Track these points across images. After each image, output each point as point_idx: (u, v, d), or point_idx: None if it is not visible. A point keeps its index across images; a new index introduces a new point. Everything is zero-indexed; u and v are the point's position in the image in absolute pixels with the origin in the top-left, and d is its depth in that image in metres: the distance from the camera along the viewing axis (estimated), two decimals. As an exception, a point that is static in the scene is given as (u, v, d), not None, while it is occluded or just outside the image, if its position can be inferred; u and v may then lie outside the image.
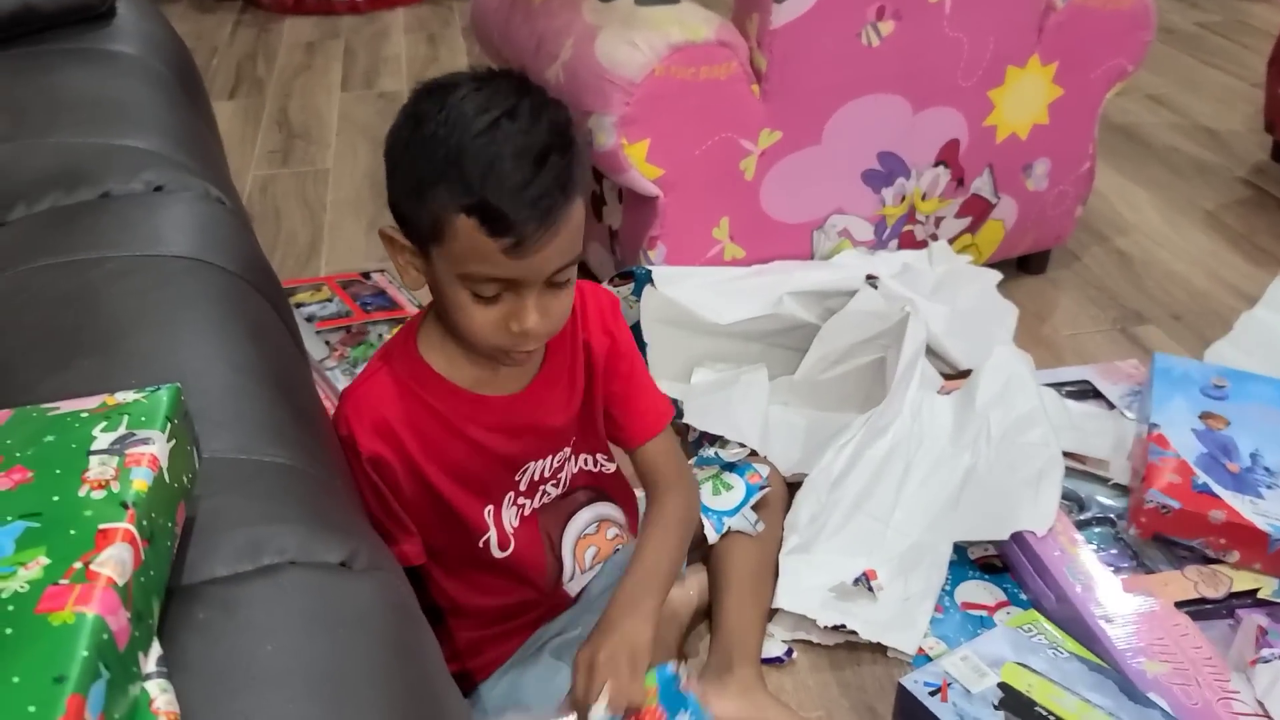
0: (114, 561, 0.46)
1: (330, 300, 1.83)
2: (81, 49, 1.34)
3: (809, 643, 1.22)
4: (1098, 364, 1.61)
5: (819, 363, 1.52)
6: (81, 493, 0.50)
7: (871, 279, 1.57)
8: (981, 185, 1.73)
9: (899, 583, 1.25)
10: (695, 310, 1.52)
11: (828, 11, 1.45)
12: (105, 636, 0.43)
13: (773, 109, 1.51)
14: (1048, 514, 1.26)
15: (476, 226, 0.82)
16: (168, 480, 0.54)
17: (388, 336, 1.74)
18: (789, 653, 1.20)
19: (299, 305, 1.81)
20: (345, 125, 2.63)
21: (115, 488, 0.50)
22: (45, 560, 0.46)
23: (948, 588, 1.26)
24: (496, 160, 0.81)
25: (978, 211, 1.76)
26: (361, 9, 3.42)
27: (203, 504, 0.61)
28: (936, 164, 1.68)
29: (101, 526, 0.48)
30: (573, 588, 1.09)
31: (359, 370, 1.63)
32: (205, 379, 0.74)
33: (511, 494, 1.03)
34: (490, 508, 1.02)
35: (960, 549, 1.31)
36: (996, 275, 1.71)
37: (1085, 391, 1.54)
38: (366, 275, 1.93)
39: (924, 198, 1.71)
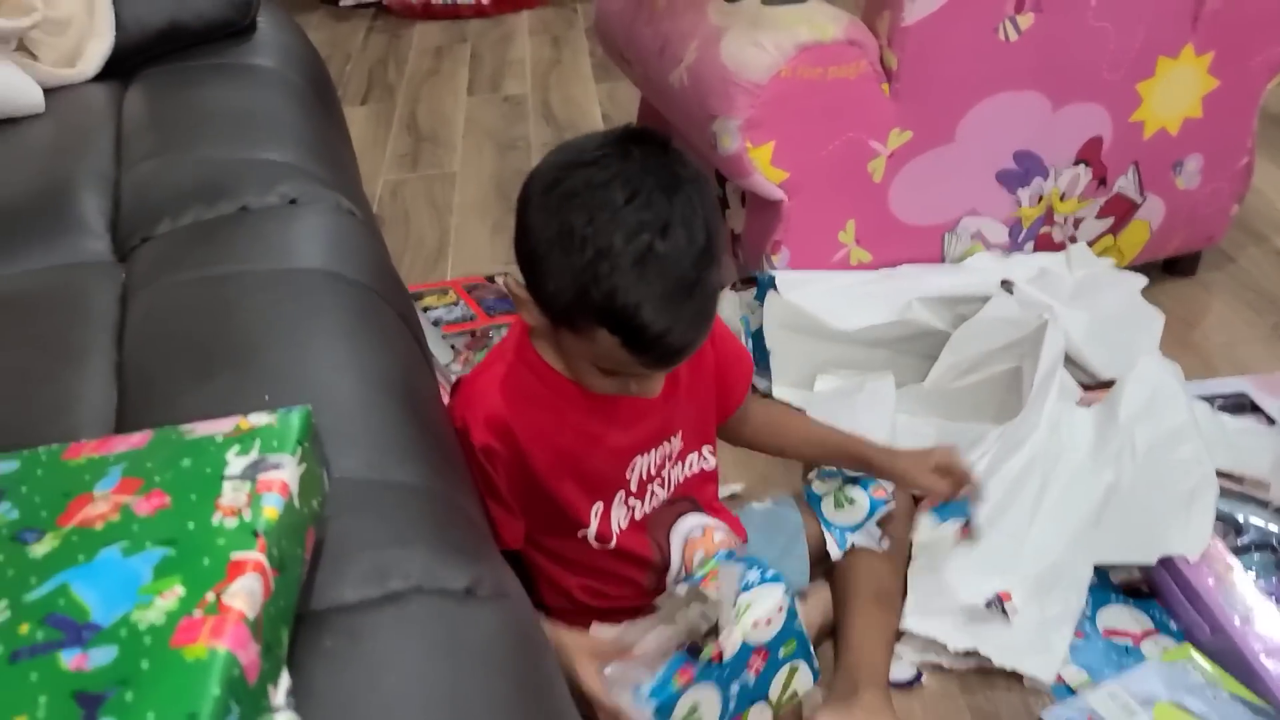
0: (245, 593, 0.47)
1: (456, 304, 1.86)
2: (223, 64, 1.39)
3: (939, 666, 1.17)
4: (1255, 375, 1.50)
5: (949, 371, 1.47)
6: (215, 520, 0.51)
7: (1007, 284, 1.51)
8: (1126, 184, 1.64)
9: (1035, 605, 1.19)
10: (820, 316, 1.48)
11: (963, 7, 1.39)
12: (236, 672, 0.43)
13: (904, 108, 1.46)
14: (1201, 537, 1.18)
15: (620, 344, 0.85)
16: (298, 506, 0.54)
17: (511, 340, 1.76)
18: (918, 676, 1.16)
19: (426, 309, 1.84)
20: (471, 128, 2.67)
21: (247, 515, 0.51)
22: (181, 590, 0.47)
23: (1088, 612, 1.20)
24: (646, 300, 0.82)
25: (1121, 212, 1.67)
26: (488, 12, 3.47)
27: (332, 525, 0.62)
28: (1077, 163, 1.60)
29: (233, 556, 0.48)
30: (679, 590, 1.08)
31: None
32: (335, 393, 0.75)
33: (623, 493, 1.03)
34: (599, 505, 1.02)
35: (1102, 571, 1.24)
36: (1141, 279, 1.62)
37: (1241, 405, 1.45)
38: (491, 278, 1.95)
39: (1063, 198, 1.63)
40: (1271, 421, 1.40)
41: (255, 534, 0.50)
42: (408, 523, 0.64)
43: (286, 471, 0.54)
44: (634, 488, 1.04)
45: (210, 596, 0.46)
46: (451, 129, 2.69)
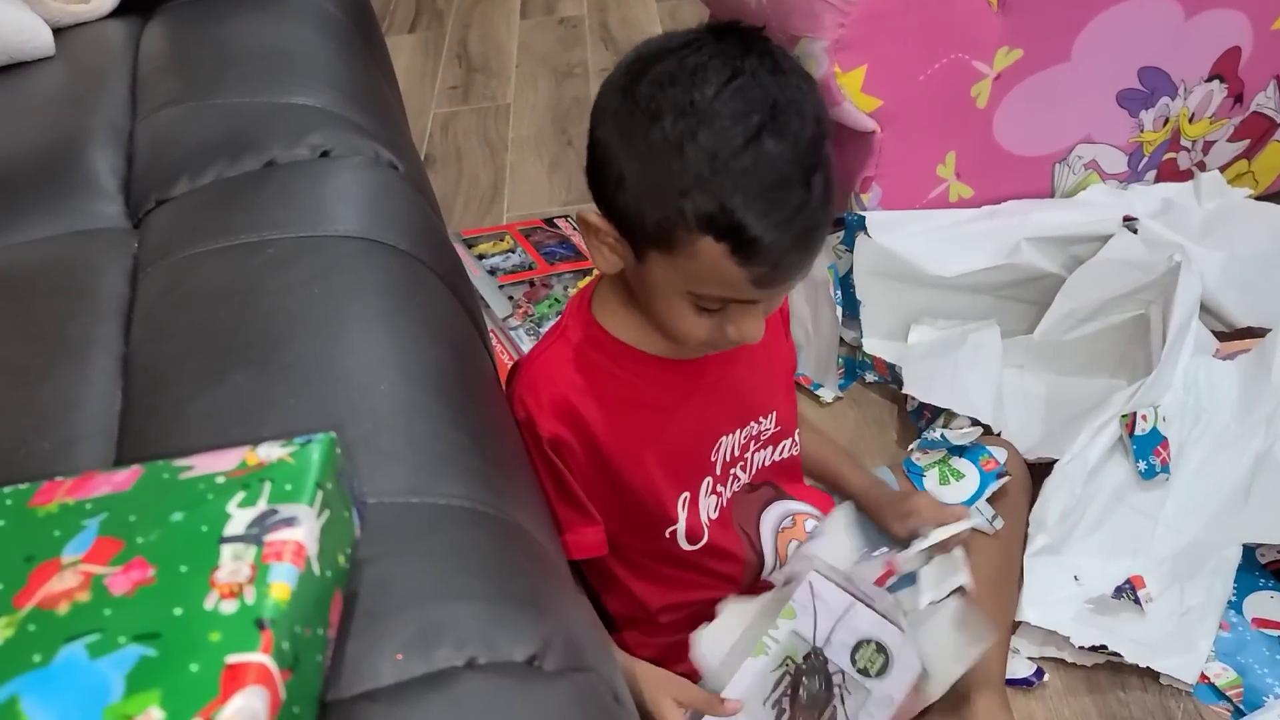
0: (243, 717, 0.35)
1: (513, 251, 1.73)
2: (251, -5, 1.26)
3: (1063, 661, 1.04)
4: None
5: (1064, 320, 1.31)
6: (209, 603, 0.39)
7: (1130, 221, 1.33)
8: (1265, 101, 1.45)
9: (1173, 593, 1.05)
10: (915, 261, 1.33)
11: (1087, -100, 1.21)
12: None
13: (1013, 23, 1.29)
14: None
15: (727, 253, 0.70)
16: (318, 572, 0.43)
17: (573, 290, 1.64)
18: (1039, 674, 1.03)
19: (481, 257, 1.72)
20: (525, 56, 2.52)
21: (249, 597, 0.39)
22: (158, 714, 0.35)
23: (1234, 600, 1.06)
24: (762, 185, 0.69)
25: (1258, 133, 1.48)
26: (540, -71, 3.27)
27: (366, 570, 0.50)
28: (1210, 78, 1.41)
29: (229, 660, 0.37)
30: (777, 579, 0.96)
31: (544, 329, 1.55)
32: (373, 397, 0.63)
33: (710, 480, 0.91)
34: (686, 495, 0.90)
35: (1248, 551, 1.09)
36: (1282, 211, 1.43)
37: None
38: (550, 221, 1.82)
39: (1192, 119, 1.44)
40: None
41: (260, 625, 0.38)
42: (461, 565, 0.53)
43: (303, 529, 0.42)
44: (719, 471, 0.91)
45: (196, 726, 0.35)
46: (504, 57, 2.54)
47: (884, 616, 0.84)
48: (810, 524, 0.98)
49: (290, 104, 1.00)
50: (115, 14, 1.21)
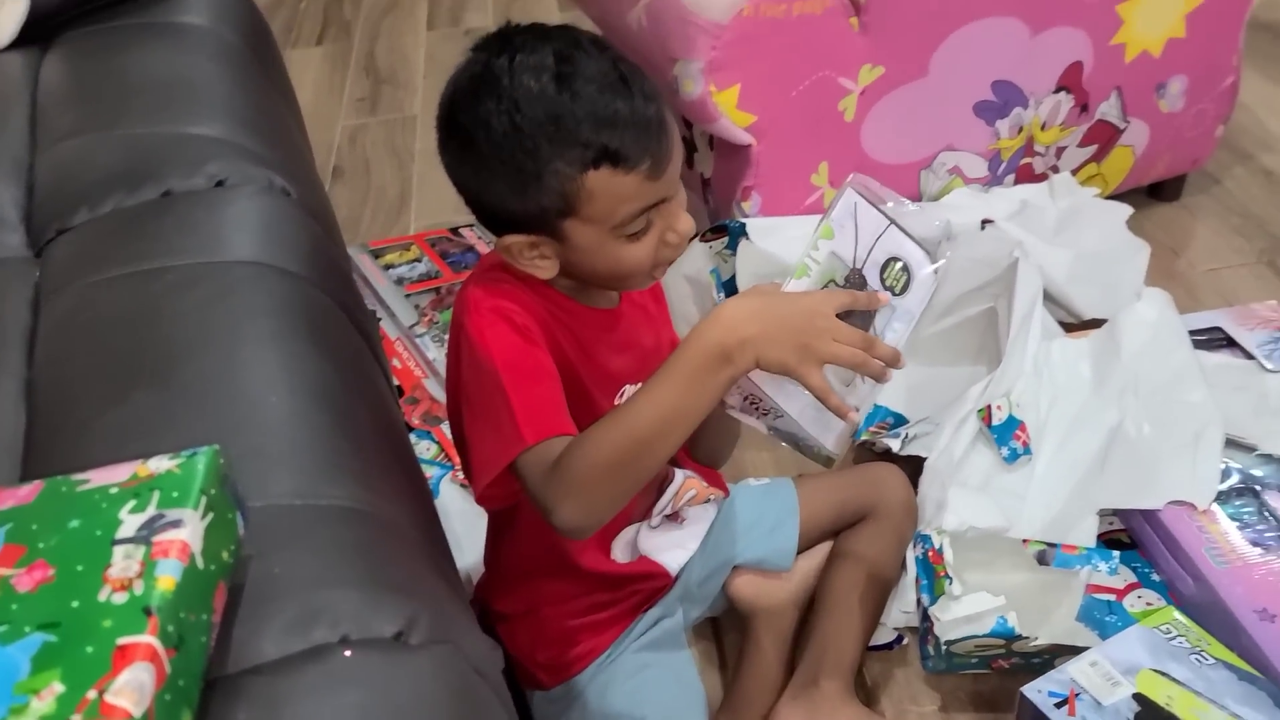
0: (131, 688, 0.42)
1: (419, 260, 1.79)
2: (150, 23, 1.30)
3: (915, 629, 1.14)
4: (1229, 307, 1.44)
5: (925, 316, 1.42)
6: (102, 596, 0.46)
7: (987, 223, 1.45)
8: (1108, 110, 1.58)
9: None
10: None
11: (933, -69, 1.31)
12: (117, 789, 0.39)
13: (874, 42, 1.39)
14: (1209, 485, 1.13)
15: (611, 173, 0.78)
16: (202, 565, 0.50)
17: (477, 297, 1.70)
18: (899, 639, 1.14)
19: (388, 267, 1.78)
20: (432, 67, 2.57)
21: (138, 589, 0.46)
22: (60, 687, 0.42)
23: (1072, 567, 1.17)
24: (594, 108, 0.77)
25: (1104, 138, 1.61)
26: (446, -61, 3.32)
27: (254, 565, 0.57)
28: (1057, 90, 1.53)
29: (120, 642, 0.44)
30: (658, 515, 1.05)
31: (448, 336, 1.61)
32: (263, 408, 0.70)
33: None
34: None
35: (1084, 522, 1.20)
36: (1126, 209, 1.56)
37: (1217, 340, 1.37)
38: (456, 231, 1.89)
39: (1043, 127, 1.56)
40: (1250, 357, 1.35)
41: (147, 611, 0.45)
42: (337, 557, 0.60)
43: (187, 529, 0.49)
44: None
45: (91, 695, 0.42)
46: (411, 68, 2.59)
47: (909, 236, 0.85)
48: (699, 489, 1.06)
49: (188, 134, 1.05)
50: (13, 46, 1.24)
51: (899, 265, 0.84)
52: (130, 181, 0.96)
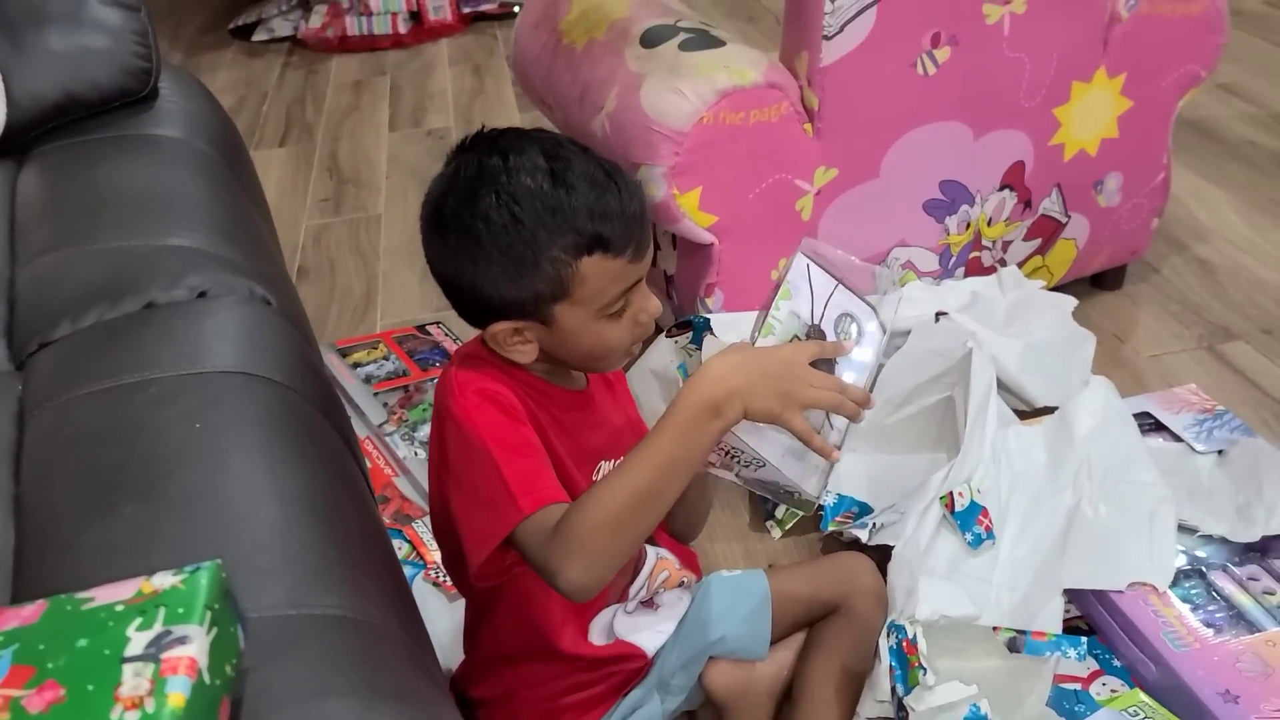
0: (149, 806, 0.43)
1: (387, 359, 1.81)
2: (124, 136, 1.34)
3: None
4: (1154, 392, 1.51)
5: (884, 406, 1.46)
6: (114, 715, 0.47)
7: (941, 315, 1.50)
8: (1050, 205, 1.66)
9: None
10: (757, 358, 1.46)
11: (880, 44, 1.39)
12: None
13: (828, 146, 1.46)
14: (1166, 564, 1.17)
15: (602, 258, 0.85)
16: (208, 681, 0.51)
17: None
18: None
19: (355, 365, 1.79)
20: (395, 167, 2.62)
21: (149, 707, 0.47)
22: (76, 811, 0.43)
23: (1036, 654, 1.19)
24: (587, 201, 0.84)
25: (1047, 233, 1.69)
26: (405, 42, 3.42)
27: (251, 677, 0.58)
28: (1001, 188, 1.61)
29: (136, 761, 0.45)
30: (634, 600, 1.07)
31: (417, 433, 1.63)
32: (252, 520, 0.71)
33: None
34: None
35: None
36: (1071, 301, 1.62)
37: (1146, 425, 1.43)
38: (423, 328, 1.91)
39: (990, 223, 1.64)
40: (1178, 439, 1.40)
41: (159, 729, 0.46)
42: (332, 667, 0.61)
43: (194, 646, 0.51)
44: None
45: (109, 818, 0.42)
46: (374, 168, 2.64)
47: (854, 294, 0.93)
48: (673, 571, 1.08)
49: (167, 245, 1.08)
50: (-9, 159, 1.27)
51: (849, 319, 0.92)
52: (111, 294, 0.98)
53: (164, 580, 0.55)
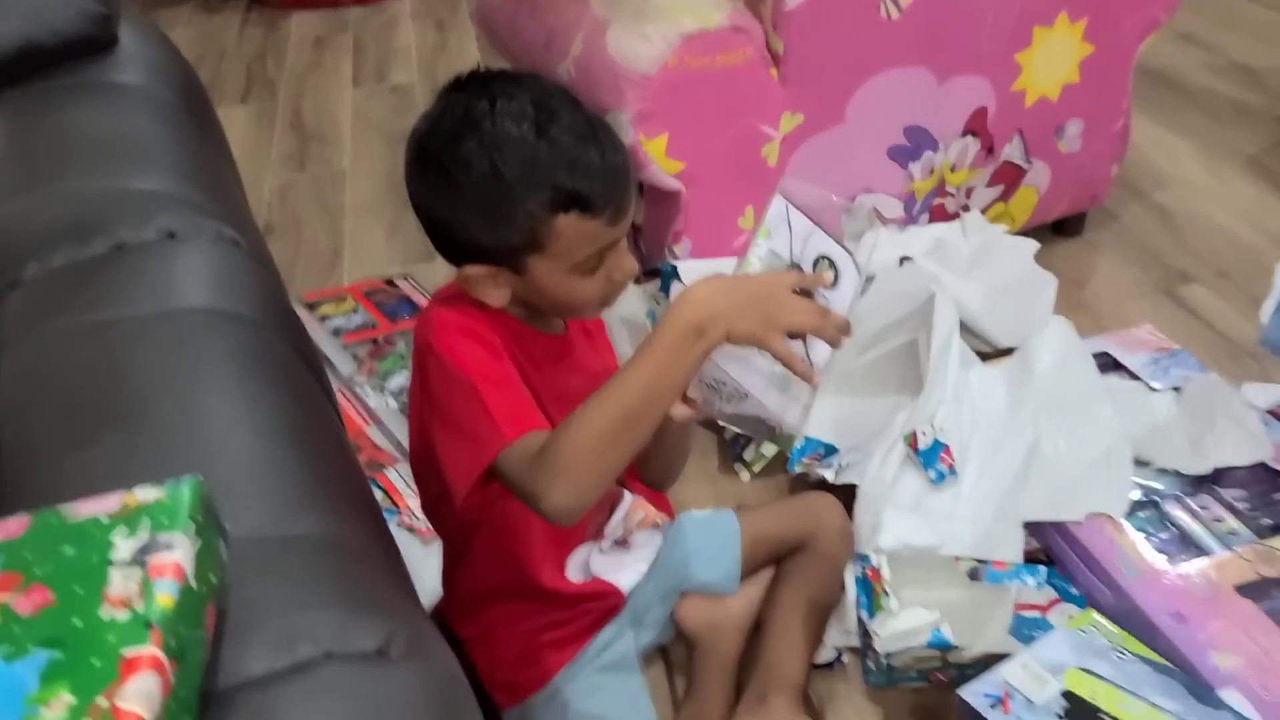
0: (140, 695, 0.44)
1: (355, 311, 1.82)
2: (86, 82, 1.32)
3: (856, 648, 1.19)
4: (1113, 333, 1.54)
5: (849, 349, 1.47)
6: (104, 613, 0.48)
7: (905, 260, 1.53)
8: (1012, 152, 1.68)
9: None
10: (724, 303, 1.48)
11: (844, -12, 1.40)
12: (136, 787, 0.41)
13: (793, 91, 1.47)
14: (1122, 496, 1.21)
15: (578, 217, 0.86)
16: (194, 586, 0.52)
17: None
18: (838, 657, 1.18)
19: (324, 318, 1.80)
20: (359, 124, 2.61)
21: (139, 606, 0.48)
22: (70, 699, 0.44)
23: (999, 583, 1.23)
24: (569, 156, 0.84)
25: (1009, 179, 1.71)
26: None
27: (234, 593, 0.59)
28: (964, 134, 1.63)
29: (126, 653, 0.46)
30: (609, 539, 1.10)
31: (389, 385, 1.64)
32: (230, 448, 0.72)
33: None
34: None
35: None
36: (1033, 245, 1.65)
37: (1104, 364, 1.46)
38: (390, 282, 1.91)
39: (953, 169, 1.66)
40: (1135, 378, 1.44)
41: (149, 625, 0.48)
42: (314, 581, 0.62)
43: (180, 552, 0.52)
44: None
45: (103, 702, 0.44)
46: (338, 125, 2.62)
47: (832, 237, 0.93)
48: (647, 512, 1.11)
49: (134, 188, 1.07)
50: (-50, 106, 1.25)
51: (826, 262, 0.93)
52: (80, 235, 0.98)
53: (146, 493, 0.56)
